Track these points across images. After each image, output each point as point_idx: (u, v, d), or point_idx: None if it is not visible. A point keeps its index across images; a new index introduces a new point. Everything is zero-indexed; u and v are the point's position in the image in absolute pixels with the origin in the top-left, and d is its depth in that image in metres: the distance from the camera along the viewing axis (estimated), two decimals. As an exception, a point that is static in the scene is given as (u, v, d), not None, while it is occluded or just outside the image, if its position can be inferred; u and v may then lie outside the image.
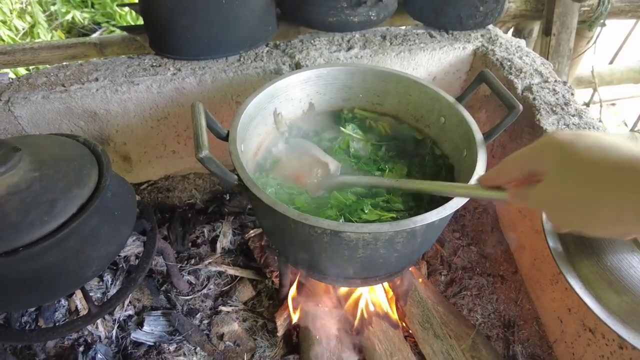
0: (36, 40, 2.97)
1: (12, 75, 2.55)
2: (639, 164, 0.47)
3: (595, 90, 2.23)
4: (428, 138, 1.06)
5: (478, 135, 0.90)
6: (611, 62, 2.41)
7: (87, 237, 0.84)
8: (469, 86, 0.98)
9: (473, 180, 0.80)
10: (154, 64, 1.22)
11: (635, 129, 2.57)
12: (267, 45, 1.30)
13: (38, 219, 0.76)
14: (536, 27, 1.85)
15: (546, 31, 1.68)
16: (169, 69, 1.20)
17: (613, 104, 3.44)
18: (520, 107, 0.88)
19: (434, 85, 1.02)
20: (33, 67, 2.14)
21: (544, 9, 1.68)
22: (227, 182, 0.79)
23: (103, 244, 0.87)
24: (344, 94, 1.12)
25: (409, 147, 1.06)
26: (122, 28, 1.44)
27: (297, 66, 1.24)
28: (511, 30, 1.95)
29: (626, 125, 3.24)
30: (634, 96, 2.97)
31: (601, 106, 2.37)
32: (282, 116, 1.05)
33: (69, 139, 0.94)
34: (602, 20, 1.78)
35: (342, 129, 1.07)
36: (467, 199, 0.77)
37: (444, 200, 0.78)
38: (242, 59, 1.24)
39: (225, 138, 0.88)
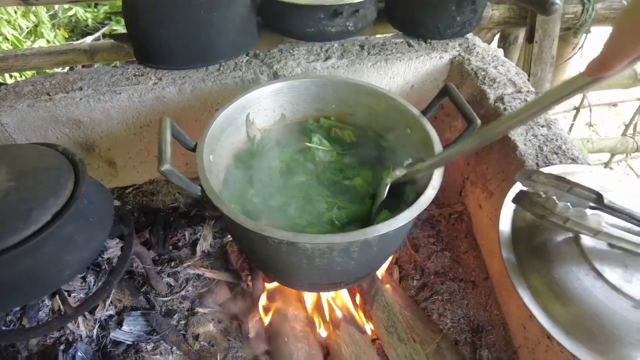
0: (37, 44, 3.03)
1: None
2: None
3: (584, 95, 2.24)
4: (392, 147, 1.09)
5: (437, 148, 0.93)
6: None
7: (62, 243, 0.88)
8: (433, 99, 1.01)
9: (426, 196, 0.84)
10: (137, 74, 1.26)
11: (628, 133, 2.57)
12: (247, 55, 1.34)
13: (13, 227, 0.80)
14: (522, 34, 1.87)
15: (529, 38, 1.70)
16: (150, 79, 1.24)
17: (615, 105, 3.43)
18: (479, 121, 0.91)
19: (401, 98, 1.05)
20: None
21: (528, 17, 1.70)
22: (191, 194, 0.83)
23: (78, 250, 0.91)
24: (317, 104, 1.15)
25: (374, 155, 1.10)
26: (110, 36, 1.49)
27: (275, 75, 1.27)
28: (497, 36, 1.96)
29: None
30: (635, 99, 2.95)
31: (591, 110, 2.39)
32: (255, 124, 1.09)
33: (48, 149, 0.98)
34: (586, 27, 1.79)
35: (308, 142, 1.10)
36: (417, 214, 0.81)
37: (395, 208, 0.81)
38: (221, 68, 1.28)
39: (194, 149, 0.92)
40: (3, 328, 1.09)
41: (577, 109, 2.39)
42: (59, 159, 0.96)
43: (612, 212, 0.80)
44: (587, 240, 0.83)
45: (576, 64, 1.99)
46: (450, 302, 1.26)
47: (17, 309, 1.15)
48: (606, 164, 2.66)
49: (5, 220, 0.80)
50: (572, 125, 2.53)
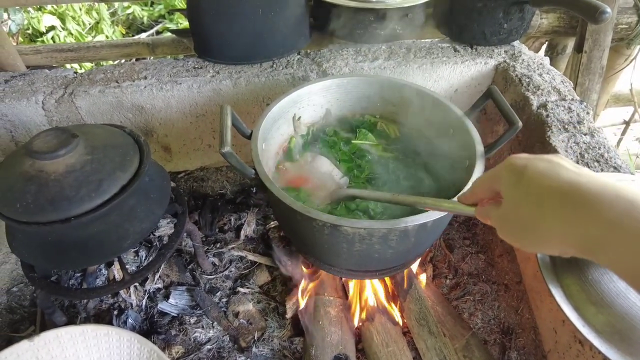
0: (97, 39, 3.26)
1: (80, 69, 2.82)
2: (570, 188, 0.52)
3: (635, 108, 2.18)
4: (435, 145, 1.13)
5: (479, 148, 0.96)
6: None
7: (126, 214, 0.98)
8: (476, 101, 1.05)
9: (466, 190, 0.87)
10: (196, 66, 1.36)
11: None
12: (299, 54, 1.41)
13: (87, 195, 0.90)
14: (570, 43, 1.85)
15: (578, 48, 1.69)
16: (208, 72, 1.34)
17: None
18: (520, 123, 0.93)
19: (445, 98, 1.09)
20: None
21: (578, 26, 1.69)
22: (245, 175, 0.91)
23: (138, 221, 1.01)
24: (362, 102, 1.21)
25: (417, 151, 1.14)
26: (172, 31, 1.60)
27: (324, 74, 1.34)
28: (544, 45, 1.95)
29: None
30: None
31: (641, 125, 2.31)
32: (302, 120, 1.16)
33: (117, 129, 1.08)
34: (641, 39, 1.76)
35: (354, 136, 1.16)
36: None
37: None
38: (274, 65, 1.36)
39: (249, 137, 1.00)
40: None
41: (627, 123, 2.32)
42: (126, 139, 1.06)
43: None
44: (624, 245, 0.84)
45: (627, 76, 1.95)
46: (481, 302, 1.28)
47: (78, 274, 1.26)
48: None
49: (81, 188, 0.90)
50: (620, 139, 2.46)
